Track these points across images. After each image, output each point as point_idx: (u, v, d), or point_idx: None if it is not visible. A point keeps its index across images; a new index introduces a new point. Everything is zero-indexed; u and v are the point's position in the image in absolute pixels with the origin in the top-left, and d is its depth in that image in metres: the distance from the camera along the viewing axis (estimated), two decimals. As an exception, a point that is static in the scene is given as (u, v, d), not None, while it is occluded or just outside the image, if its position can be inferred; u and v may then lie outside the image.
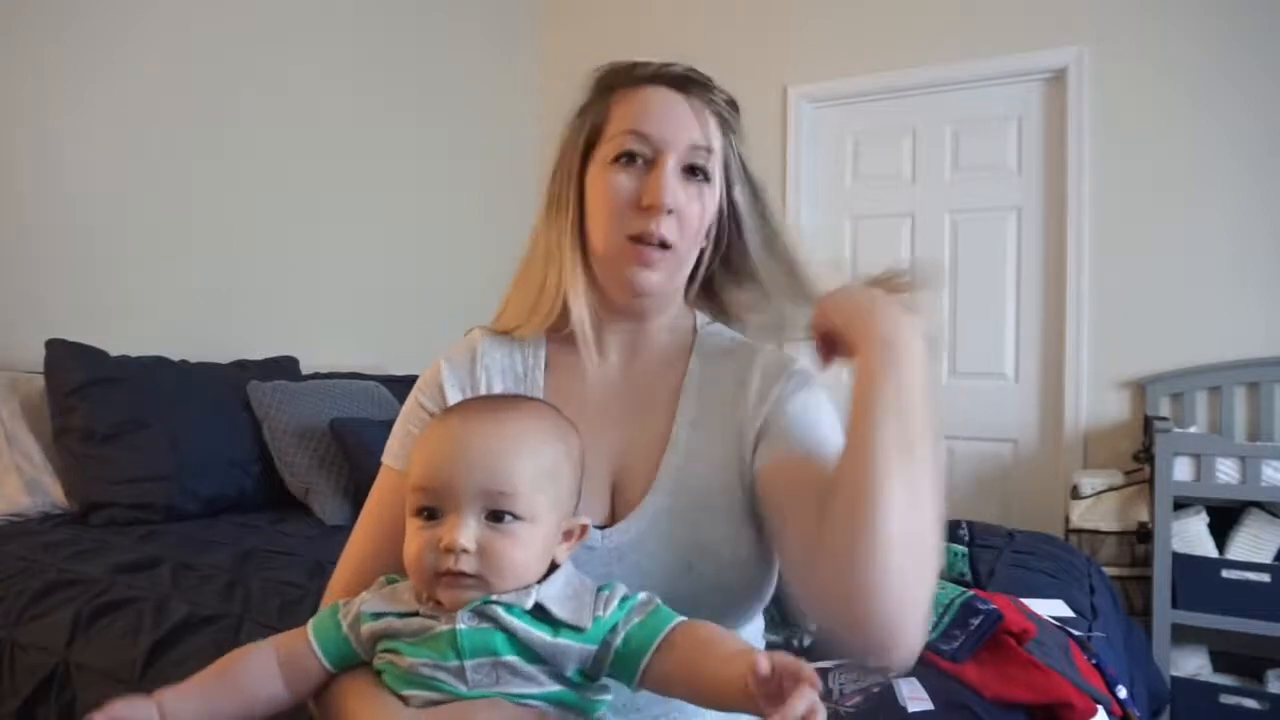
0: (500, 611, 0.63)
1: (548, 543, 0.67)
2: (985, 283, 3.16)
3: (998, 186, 3.15)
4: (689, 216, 0.81)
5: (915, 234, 3.29)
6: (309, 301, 2.85)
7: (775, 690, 0.53)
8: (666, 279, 0.82)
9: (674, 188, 0.80)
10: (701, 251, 0.86)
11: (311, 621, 0.71)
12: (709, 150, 0.82)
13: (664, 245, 0.80)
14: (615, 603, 0.66)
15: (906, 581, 0.63)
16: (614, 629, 0.64)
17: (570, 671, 0.65)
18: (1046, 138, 3.06)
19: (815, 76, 3.39)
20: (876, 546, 0.62)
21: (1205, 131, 2.77)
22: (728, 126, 0.84)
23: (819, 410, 0.82)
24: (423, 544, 0.65)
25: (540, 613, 0.64)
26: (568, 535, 0.70)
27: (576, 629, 0.64)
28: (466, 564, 0.63)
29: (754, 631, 0.87)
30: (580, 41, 3.81)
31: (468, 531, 0.64)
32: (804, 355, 0.87)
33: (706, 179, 0.82)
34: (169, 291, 2.47)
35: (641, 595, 0.68)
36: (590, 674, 0.65)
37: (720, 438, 0.82)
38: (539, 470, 0.67)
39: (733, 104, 0.86)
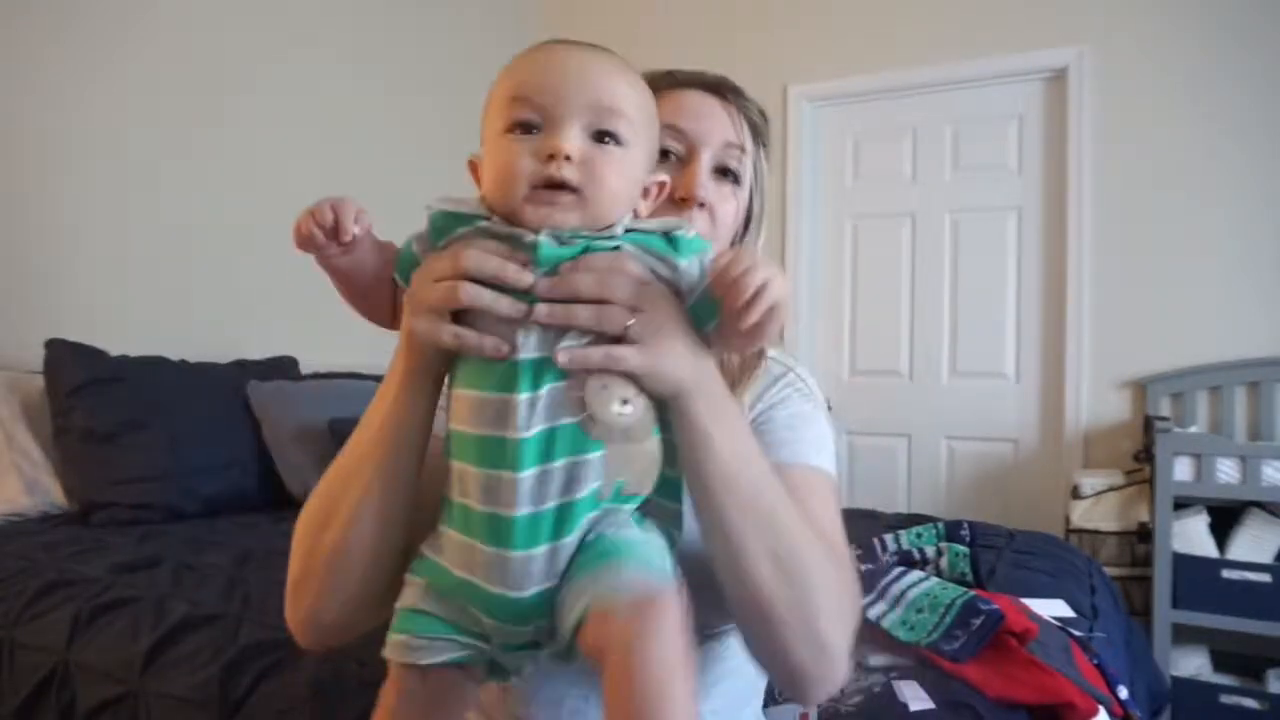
0: (583, 241, 0.60)
1: (638, 184, 0.65)
2: (985, 283, 3.16)
3: (998, 186, 3.15)
4: (722, 215, 0.80)
5: (915, 234, 3.29)
6: (309, 301, 2.84)
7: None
8: None
9: (707, 182, 0.79)
10: None
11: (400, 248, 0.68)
12: (742, 150, 0.81)
13: None
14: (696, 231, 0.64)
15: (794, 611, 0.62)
16: (702, 259, 0.62)
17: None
18: (1046, 138, 3.06)
19: (815, 76, 3.39)
20: (748, 594, 0.63)
21: (1205, 131, 2.77)
22: (759, 135, 0.84)
23: (805, 423, 0.80)
24: (519, 154, 0.60)
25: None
26: (644, 192, 0.67)
27: (670, 234, 0.61)
28: (570, 172, 0.59)
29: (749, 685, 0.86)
30: (582, 40, 3.80)
31: (574, 140, 0.60)
32: (802, 363, 0.87)
33: (738, 181, 0.82)
34: (169, 291, 2.47)
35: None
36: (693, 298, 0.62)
37: None
38: (641, 101, 0.65)
39: (764, 115, 0.86)
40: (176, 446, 2.03)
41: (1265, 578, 2.27)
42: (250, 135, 2.68)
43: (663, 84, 0.83)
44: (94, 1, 2.29)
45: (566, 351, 0.58)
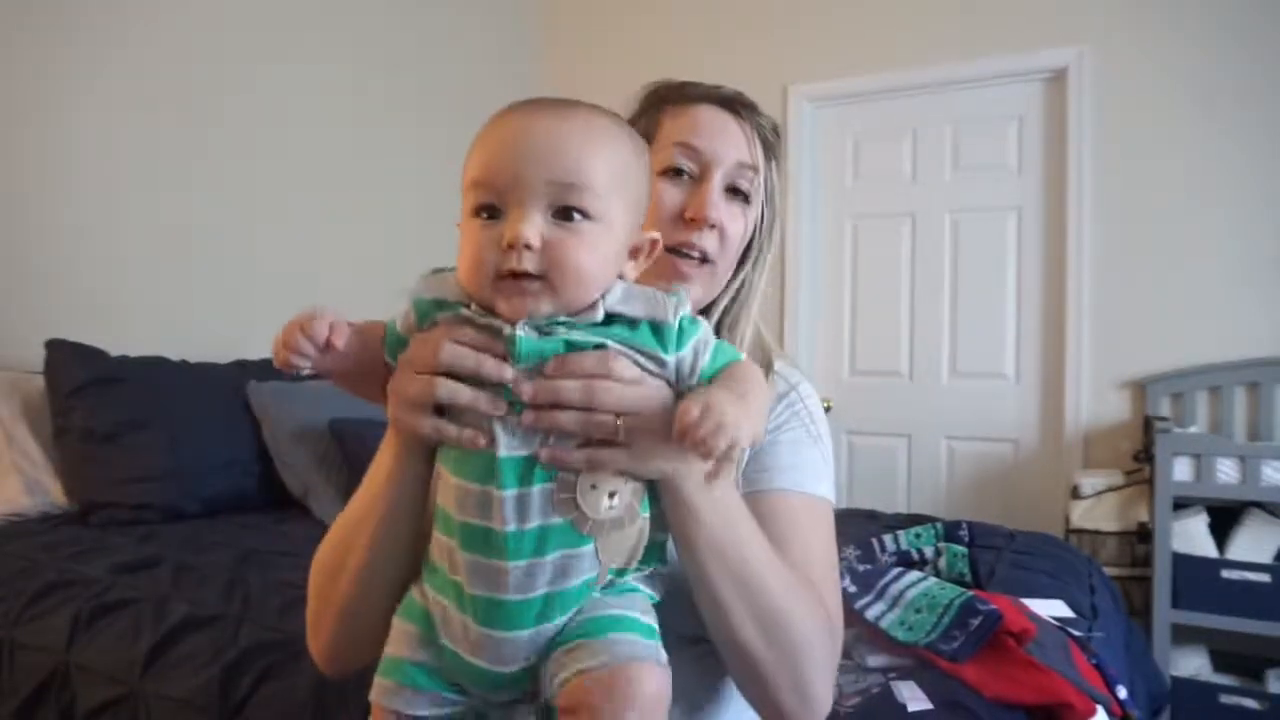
0: (564, 330, 0.59)
1: (618, 254, 0.62)
2: (985, 283, 3.16)
3: (998, 186, 3.15)
4: (731, 234, 0.81)
5: (915, 234, 3.29)
6: (309, 302, 2.85)
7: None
8: (703, 294, 0.82)
9: (718, 202, 0.80)
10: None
11: (386, 329, 0.66)
12: (754, 170, 0.82)
13: (704, 260, 0.80)
14: (687, 308, 0.62)
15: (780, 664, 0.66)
16: (696, 343, 0.61)
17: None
18: (1046, 138, 3.06)
19: (815, 76, 3.39)
20: (734, 650, 0.66)
21: (1205, 131, 2.76)
22: (771, 151, 0.85)
23: (806, 448, 0.81)
24: (482, 243, 0.59)
25: (611, 321, 0.60)
26: (635, 252, 0.65)
27: (657, 324, 0.60)
28: (530, 262, 0.57)
29: None
30: (582, 41, 3.81)
31: (533, 226, 0.57)
32: (799, 374, 0.87)
33: (748, 200, 0.83)
34: (169, 291, 2.47)
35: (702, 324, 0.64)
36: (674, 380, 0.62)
37: None
38: (612, 166, 0.61)
39: (776, 130, 0.86)
40: (176, 446, 2.03)
41: (1265, 578, 2.27)
42: (250, 135, 2.67)
43: (677, 97, 0.85)
44: (94, 2, 2.29)
45: (549, 450, 0.59)
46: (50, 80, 2.22)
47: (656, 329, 0.61)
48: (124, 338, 2.21)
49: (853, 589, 1.45)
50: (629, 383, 0.59)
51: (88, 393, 1.98)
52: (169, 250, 2.47)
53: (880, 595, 1.44)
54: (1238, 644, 2.48)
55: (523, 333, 0.59)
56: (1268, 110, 2.69)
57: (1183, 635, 2.47)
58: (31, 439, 2.00)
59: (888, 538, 1.89)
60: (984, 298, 3.16)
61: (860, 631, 1.34)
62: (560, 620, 0.60)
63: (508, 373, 0.58)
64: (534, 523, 0.58)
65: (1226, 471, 2.33)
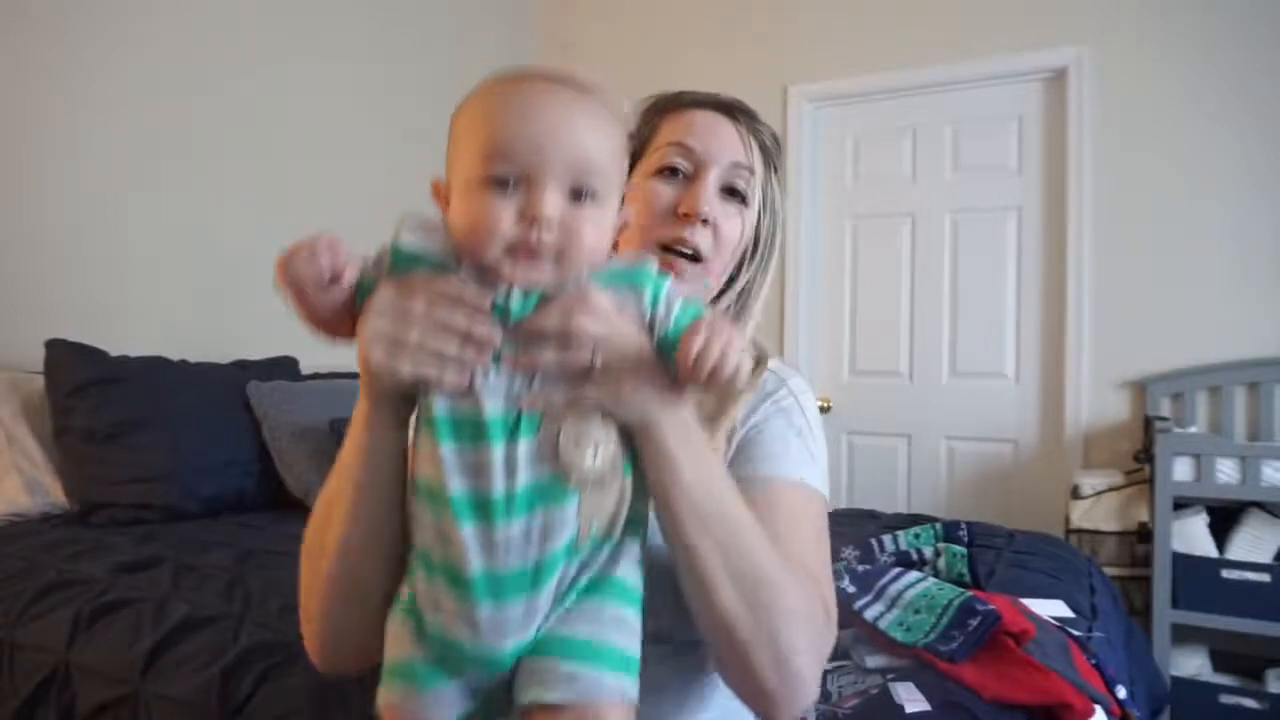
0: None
1: (611, 234, 0.65)
2: (985, 283, 3.16)
3: (998, 186, 3.15)
4: (726, 233, 0.81)
5: (915, 234, 3.29)
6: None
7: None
8: (693, 293, 0.80)
9: (712, 199, 0.80)
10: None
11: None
12: (750, 171, 0.82)
13: (696, 258, 0.80)
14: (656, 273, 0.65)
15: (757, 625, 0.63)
16: (668, 292, 0.64)
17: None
18: (1046, 138, 3.06)
19: (815, 76, 3.39)
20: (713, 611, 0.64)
21: (1205, 131, 2.76)
22: (769, 158, 0.85)
23: (796, 438, 0.80)
24: (498, 212, 0.59)
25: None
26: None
27: (631, 271, 0.63)
28: (550, 238, 0.59)
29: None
30: (583, 41, 3.81)
31: (555, 205, 0.59)
32: (796, 373, 0.87)
33: (745, 202, 0.83)
34: (169, 291, 2.47)
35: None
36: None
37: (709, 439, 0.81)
38: (612, 149, 0.63)
39: (776, 140, 0.86)
40: (176, 446, 2.03)
41: (1265, 578, 2.27)
42: (250, 135, 2.68)
43: (673, 104, 0.85)
44: (94, 1, 2.29)
45: (531, 397, 0.59)
46: (50, 80, 2.22)
47: (630, 276, 0.63)
48: (124, 338, 2.21)
49: (852, 589, 1.45)
50: (606, 315, 0.60)
51: (88, 393, 1.98)
52: (169, 250, 2.47)
53: (879, 595, 1.44)
54: (1238, 644, 2.48)
55: (516, 297, 0.60)
56: (1267, 110, 2.69)
57: (1183, 635, 2.47)
58: (31, 439, 2.00)
59: (887, 538, 1.89)
60: (984, 298, 3.16)
61: (859, 632, 1.34)
62: (548, 587, 0.59)
63: (498, 336, 0.59)
64: (521, 481, 0.58)
65: (1226, 471, 2.33)
